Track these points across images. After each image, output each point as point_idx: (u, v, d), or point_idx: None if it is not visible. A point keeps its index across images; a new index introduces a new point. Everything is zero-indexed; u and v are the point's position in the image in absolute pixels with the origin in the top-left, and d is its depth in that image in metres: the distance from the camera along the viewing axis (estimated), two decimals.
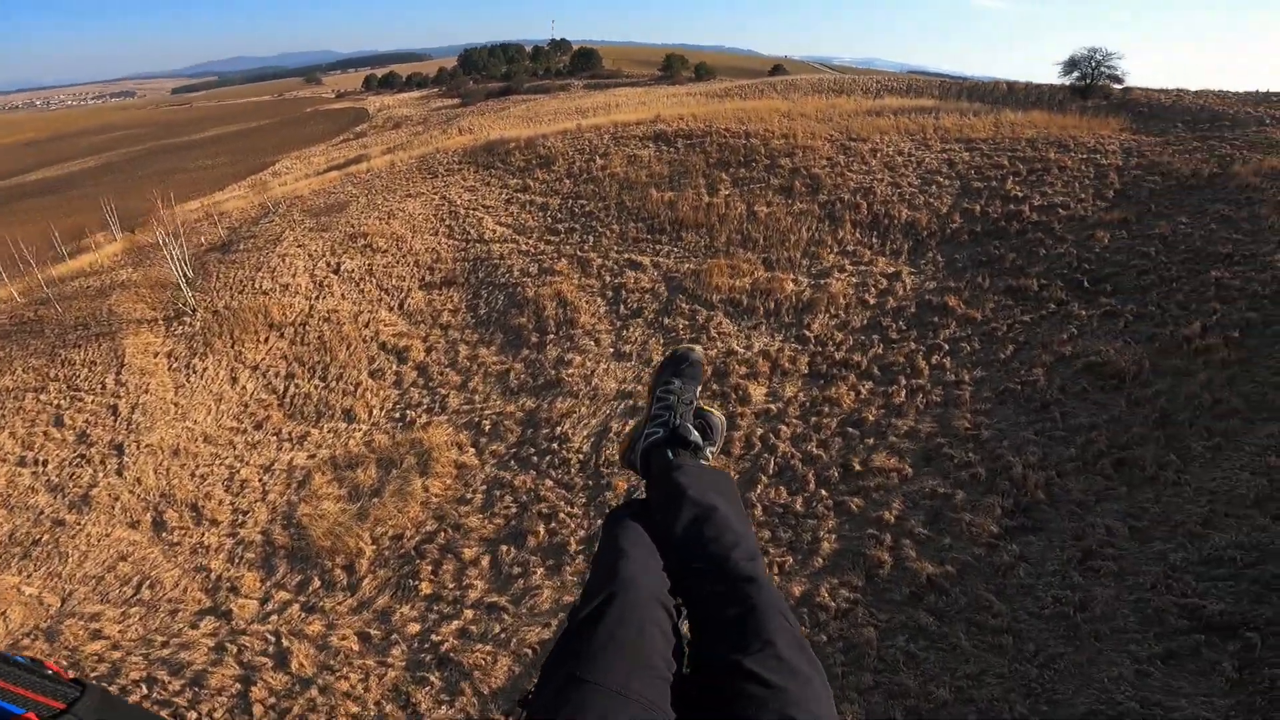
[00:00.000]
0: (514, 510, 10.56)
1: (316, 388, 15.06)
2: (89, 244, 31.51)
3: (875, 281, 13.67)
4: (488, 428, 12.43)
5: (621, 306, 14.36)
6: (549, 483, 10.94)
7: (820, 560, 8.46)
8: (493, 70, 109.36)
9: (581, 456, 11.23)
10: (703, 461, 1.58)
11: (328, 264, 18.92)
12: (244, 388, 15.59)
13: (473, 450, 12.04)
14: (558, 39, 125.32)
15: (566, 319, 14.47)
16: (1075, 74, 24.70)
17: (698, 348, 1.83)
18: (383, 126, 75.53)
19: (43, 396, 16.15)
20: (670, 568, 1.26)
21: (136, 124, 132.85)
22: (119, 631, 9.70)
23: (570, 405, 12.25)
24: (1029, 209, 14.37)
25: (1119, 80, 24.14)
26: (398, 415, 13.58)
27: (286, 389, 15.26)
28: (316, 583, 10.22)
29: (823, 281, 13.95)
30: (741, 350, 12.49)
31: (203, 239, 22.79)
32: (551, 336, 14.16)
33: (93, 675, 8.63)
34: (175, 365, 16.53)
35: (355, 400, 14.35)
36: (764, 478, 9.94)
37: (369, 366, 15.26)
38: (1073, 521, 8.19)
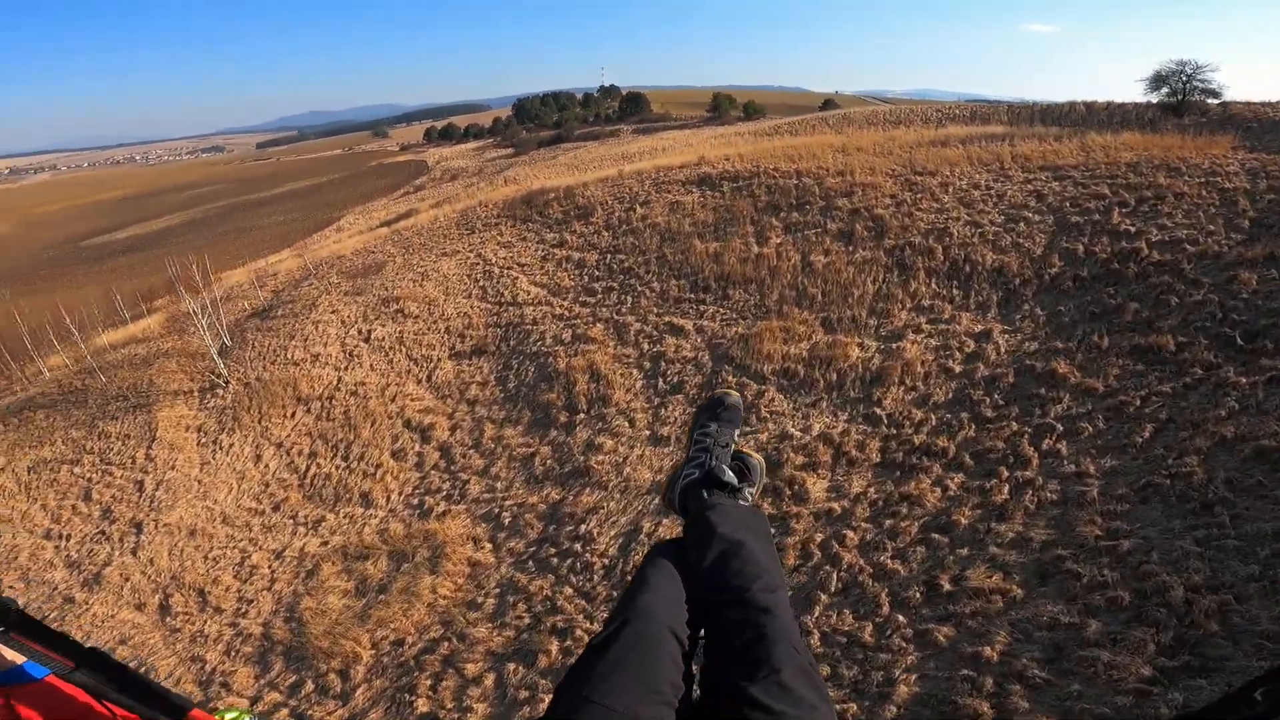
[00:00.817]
0: (526, 621, 9.00)
1: (338, 468, 14.06)
2: (159, 305, 32.55)
3: (959, 343, 11.59)
4: (507, 521, 10.97)
5: (660, 380, 12.77)
6: (568, 590, 9.32)
7: (895, 709, 6.45)
8: (544, 119, 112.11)
9: (606, 561, 9.58)
10: (740, 502, 1.58)
11: (359, 332, 18.21)
12: (266, 466, 14.77)
13: (489, 546, 10.60)
14: (607, 85, 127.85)
15: (599, 395, 12.98)
16: (1164, 90, 22.16)
17: (734, 392, 1.84)
18: (440, 179, 77.74)
19: (76, 469, 15.84)
20: (695, 600, 1.28)
21: (221, 179, 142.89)
22: None
23: (598, 499, 10.66)
24: (1147, 246, 12.02)
25: (1215, 95, 21.44)
26: (416, 502, 12.32)
27: (308, 469, 14.34)
28: (309, 686, 9.04)
29: (895, 345, 11.97)
30: (798, 433, 10.63)
31: (246, 304, 22.73)
32: (582, 416, 12.68)
33: None
34: (204, 440, 15.95)
35: (374, 483, 13.22)
36: (824, 596, 7.98)
37: (392, 446, 14.16)
38: (1261, 659, 5.93)
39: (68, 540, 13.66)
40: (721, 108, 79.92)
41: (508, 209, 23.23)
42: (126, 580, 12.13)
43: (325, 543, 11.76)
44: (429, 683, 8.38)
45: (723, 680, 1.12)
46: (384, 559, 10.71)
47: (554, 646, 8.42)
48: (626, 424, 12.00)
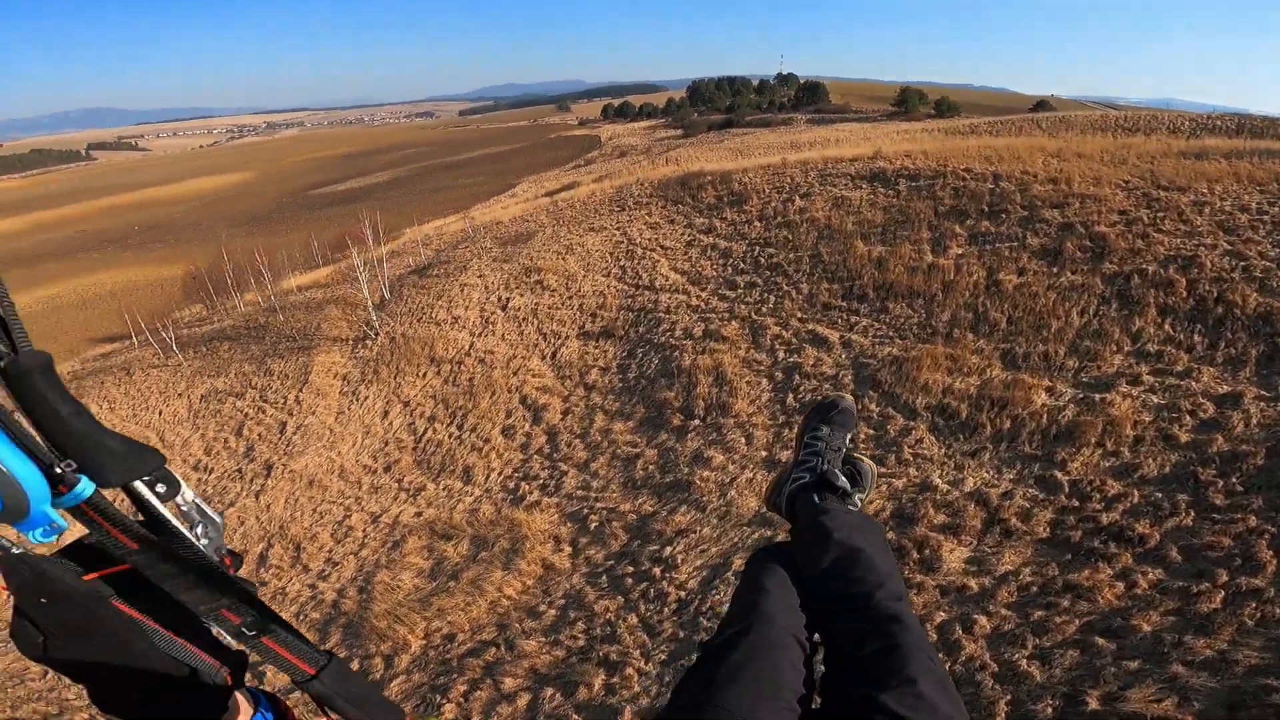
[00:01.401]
0: (580, 644, 8.10)
1: (450, 436, 14.17)
2: (344, 255, 36.13)
3: (1193, 405, 8.81)
4: (594, 525, 10.15)
5: (790, 396, 11.19)
6: (632, 619, 8.27)
7: None
8: (717, 102, 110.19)
9: (683, 595, 8.38)
10: (850, 507, 1.51)
11: (498, 299, 18.38)
12: (390, 423, 15.31)
13: (568, 550, 9.84)
14: (785, 73, 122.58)
15: (719, 402, 11.71)
16: None
17: (848, 396, 1.83)
18: (610, 155, 79.35)
19: (239, 403, 17.59)
20: (810, 607, 1.24)
21: (426, 143, 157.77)
22: None
23: (692, 520, 9.46)
24: None
25: None
26: (512, 486, 11.95)
27: (424, 433, 14.62)
28: (354, 666, 8.83)
29: (1098, 396, 9.41)
30: (944, 486, 8.63)
31: (411, 260, 24.11)
32: (696, 422, 11.51)
33: None
34: (345, 390, 16.96)
35: (479, 458, 13.09)
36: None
37: (504, 421, 13.99)
38: None
39: (210, 474, 15.01)
40: (909, 102, 73.20)
41: (661, 189, 22.37)
42: (241, 524, 12.99)
43: (419, 514, 11.75)
44: (464, 688, 7.79)
45: (851, 689, 1.06)
46: (465, 542, 10.37)
47: (598, 681, 7.46)
48: (743, 439, 10.64)
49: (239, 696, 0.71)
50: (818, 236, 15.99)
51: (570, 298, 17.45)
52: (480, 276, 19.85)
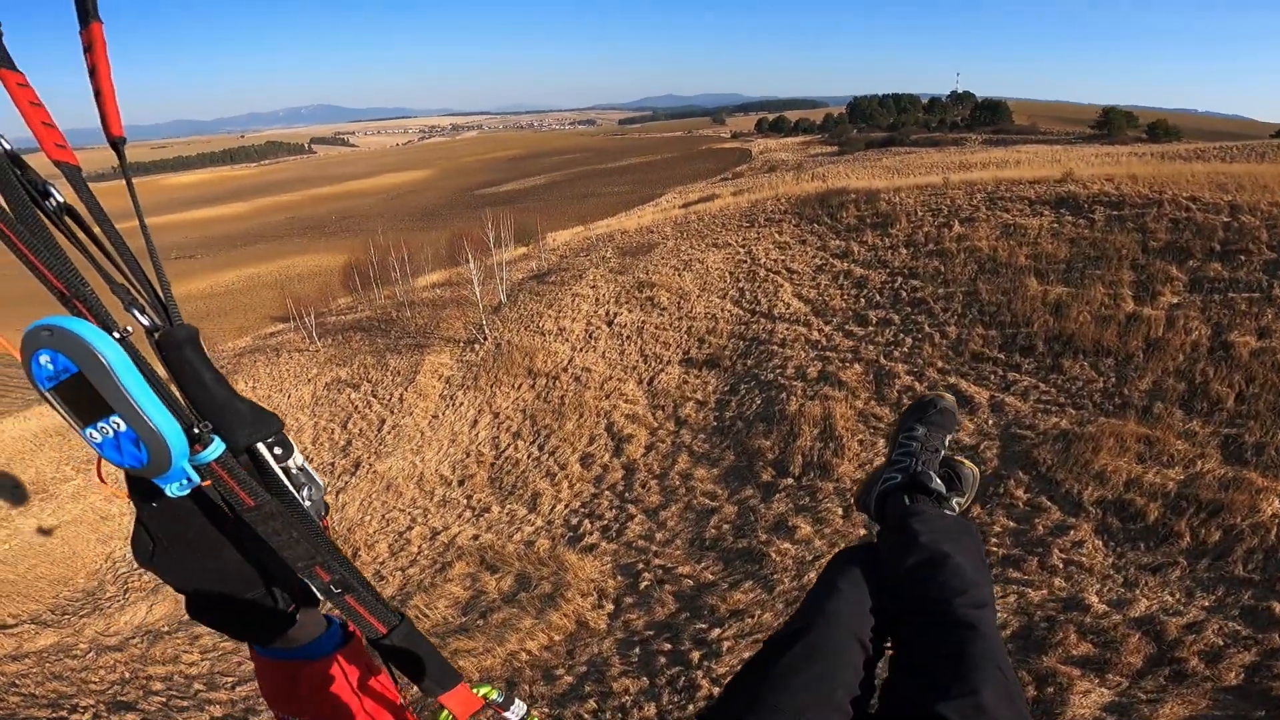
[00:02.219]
0: None
1: (528, 456, 13.37)
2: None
3: None
4: (644, 585, 8.63)
5: None
6: (650, 709, 6.66)
7: None
8: (879, 120, 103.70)
9: (715, 692, 6.65)
10: (945, 511, 1.41)
11: (606, 313, 17.46)
12: (477, 434, 14.85)
13: (609, 609, 8.39)
14: (960, 91, 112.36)
15: (820, 460, 9.73)
16: None
17: (949, 395, 1.68)
18: (759, 169, 77.21)
19: (354, 395, 18.14)
20: (885, 610, 1.19)
21: (583, 149, 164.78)
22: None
23: (754, 600, 7.63)
24: None
25: None
26: (575, 522, 10.78)
27: (506, 448, 13.96)
28: None
29: None
30: (1101, 606, 6.09)
31: (534, 265, 24.08)
32: (789, 482, 9.63)
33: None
34: (445, 393, 16.86)
35: (550, 486, 12.10)
36: None
37: (585, 448, 12.92)
38: None
39: (309, 464, 15.39)
40: (1114, 124, 63.63)
41: (797, 205, 20.35)
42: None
43: (476, 537, 10.95)
44: None
45: (910, 694, 1.02)
46: (510, 578, 9.30)
47: None
48: (839, 511, 8.61)
49: (313, 613, 0.76)
50: (977, 270, 13.33)
51: (680, 318, 16.08)
52: (593, 287, 19.09)
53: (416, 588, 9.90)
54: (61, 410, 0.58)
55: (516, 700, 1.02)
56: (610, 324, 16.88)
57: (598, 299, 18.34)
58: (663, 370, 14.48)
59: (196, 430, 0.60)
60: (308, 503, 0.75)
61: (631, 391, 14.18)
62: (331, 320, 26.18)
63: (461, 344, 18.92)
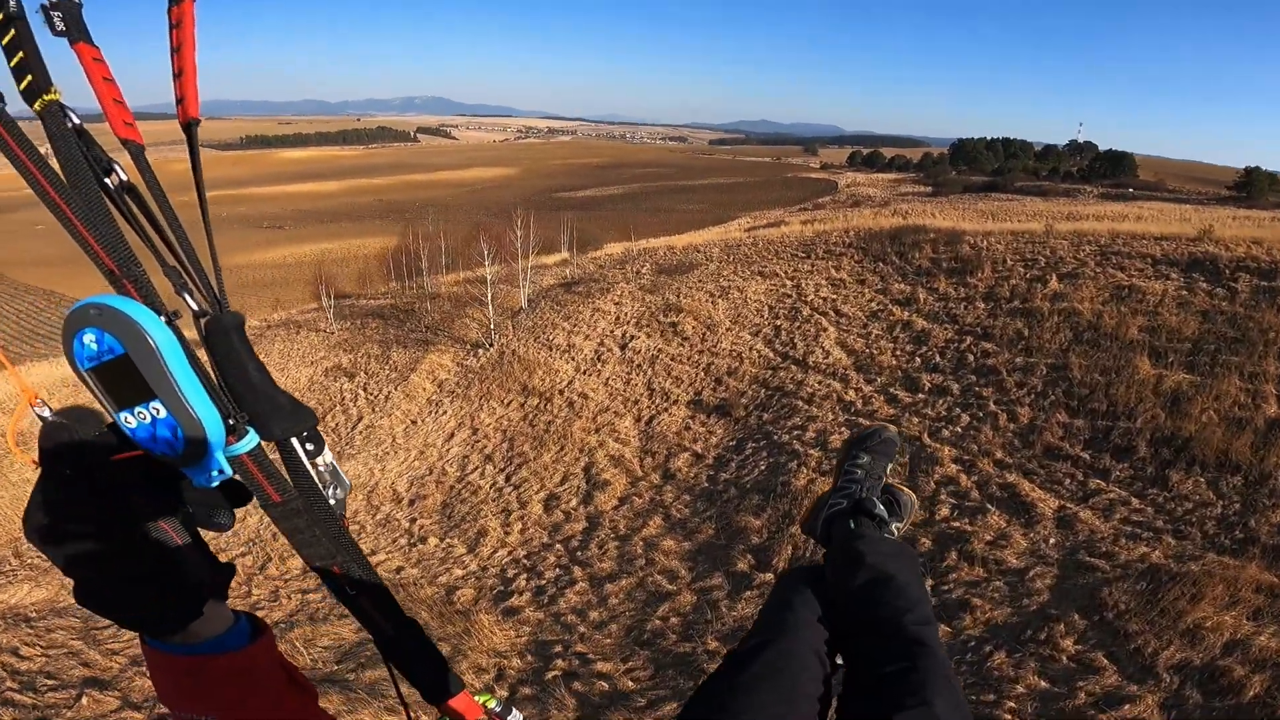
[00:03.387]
0: None
1: (491, 485, 11.46)
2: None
3: None
4: (550, 676, 6.36)
5: (928, 580, 6.49)
6: None
7: None
8: (984, 163, 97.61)
9: None
10: (886, 535, 1.47)
11: (622, 335, 15.43)
12: (448, 450, 13.08)
13: (500, 694, 6.25)
14: (1081, 141, 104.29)
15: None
16: None
17: (892, 427, 1.77)
18: (843, 202, 73.69)
19: (347, 385, 16.81)
20: (836, 627, 1.23)
21: (668, 163, 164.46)
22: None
23: None
24: None
25: None
26: (510, 575, 8.71)
27: (471, 471, 12.11)
28: None
29: None
30: None
31: (568, 272, 22.40)
32: (768, 579, 7.24)
33: None
34: (434, 397, 15.25)
35: (501, 525, 10.10)
36: None
37: (555, 486, 10.88)
38: None
39: None
40: (1256, 185, 56.84)
41: (863, 239, 17.77)
42: (243, 521, 11.42)
43: (400, 570, 9.05)
44: None
45: (867, 708, 1.06)
46: None
47: None
48: None
49: (219, 606, 0.69)
50: (1071, 339, 10.53)
51: (701, 352, 13.86)
52: (616, 303, 17.12)
53: (307, 618, 8.10)
54: (97, 391, 0.56)
55: (514, 711, 1.00)
56: (624, 347, 14.84)
57: (618, 317, 16.35)
58: (667, 410, 12.30)
59: (233, 421, 0.58)
60: (333, 501, 0.72)
61: (625, 429, 12.06)
62: (362, 304, 25.34)
63: (468, 347, 17.34)
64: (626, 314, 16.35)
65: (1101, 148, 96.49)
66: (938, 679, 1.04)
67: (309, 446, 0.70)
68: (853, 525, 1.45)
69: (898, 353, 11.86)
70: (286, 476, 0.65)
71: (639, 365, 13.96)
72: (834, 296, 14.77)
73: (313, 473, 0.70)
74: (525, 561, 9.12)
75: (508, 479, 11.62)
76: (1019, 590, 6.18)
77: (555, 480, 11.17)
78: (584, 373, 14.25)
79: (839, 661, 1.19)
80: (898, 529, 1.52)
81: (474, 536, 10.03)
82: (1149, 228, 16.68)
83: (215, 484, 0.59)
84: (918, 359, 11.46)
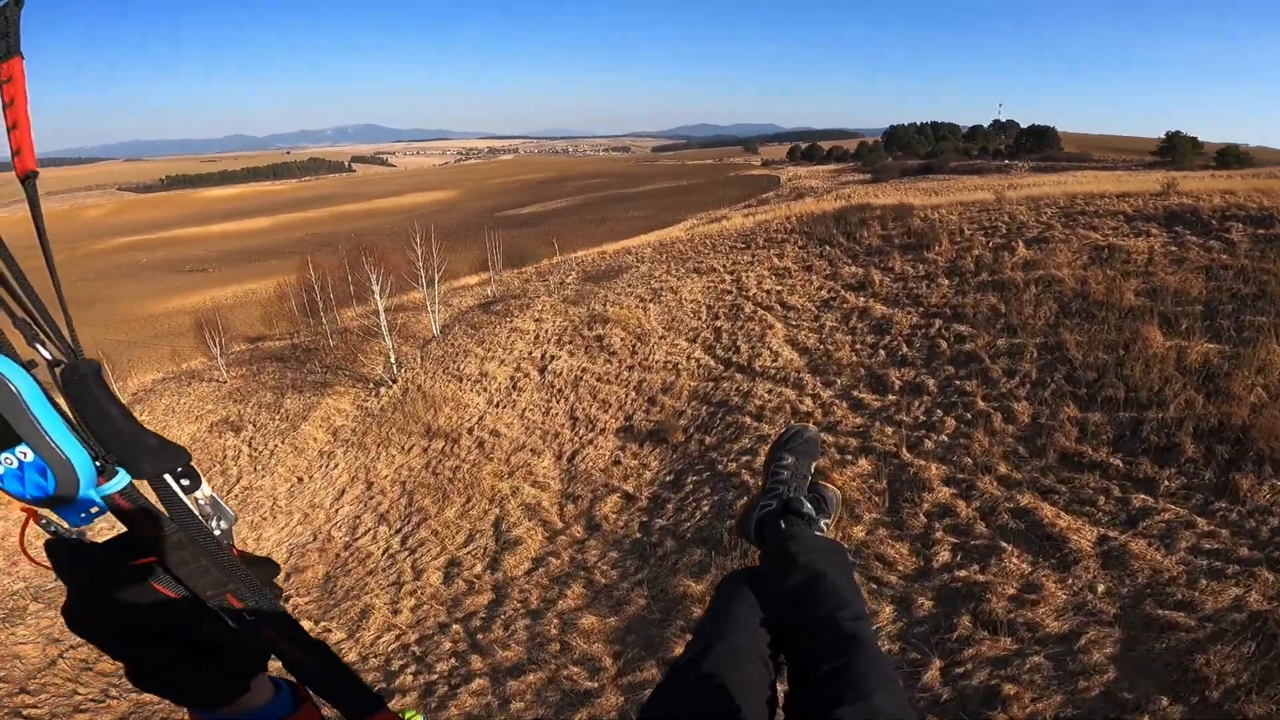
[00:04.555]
0: None
1: (384, 550, 9.38)
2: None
3: None
4: None
5: (935, 676, 4.54)
6: None
7: None
8: (917, 147, 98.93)
9: None
10: (816, 533, 1.50)
11: (541, 355, 13.31)
12: (338, 510, 10.83)
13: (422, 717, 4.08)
14: (1004, 120, 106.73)
15: None
16: None
17: (811, 426, 1.77)
18: (787, 196, 73.04)
19: (231, 440, 14.25)
20: (775, 628, 1.25)
21: (610, 173, 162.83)
22: None
23: None
24: None
25: None
26: (395, 668, 6.53)
27: (362, 535, 9.90)
28: None
29: None
30: None
31: (490, 290, 20.15)
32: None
33: None
34: (326, 448, 12.86)
35: (389, 602, 7.90)
36: None
37: (457, 549, 8.72)
38: None
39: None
40: (1180, 150, 58.09)
41: (806, 223, 16.05)
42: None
43: None
44: None
45: (810, 705, 1.07)
46: None
47: None
48: None
49: (261, 678, 0.73)
50: (1058, 311, 8.86)
51: (631, 368, 11.82)
52: (537, 320, 14.97)
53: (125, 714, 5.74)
54: None
55: None
56: (543, 370, 12.71)
57: (538, 335, 14.20)
58: (592, 442, 10.21)
59: (101, 463, 0.60)
60: (217, 531, 0.72)
61: (544, 470, 9.92)
62: (267, 346, 22.56)
63: (371, 386, 14.95)
64: (547, 331, 14.21)
65: (1023, 125, 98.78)
66: (875, 673, 1.05)
67: (184, 482, 0.70)
68: (783, 525, 1.46)
69: (857, 346, 10.03)
70: (164, 511, 0.65)
71: (560, 390, 11.84)
72: (779, 288, 12.94)
73: (192, 507, 0.69)
74: (415, 649, 6.92)
75: (403, 542, 9.39)
76: (1069, 666, 4.25)
77: (459, 540, 8.98)
78: (497, 405, 12.06)
79: (783, 661, 1.20)
80: (826, 525, 1.55)
81: (356, 617, 7.79)
82: (1105, 187, 15.44)
83: (89, 523, 0.60)
84: (881, 352, 9.64)
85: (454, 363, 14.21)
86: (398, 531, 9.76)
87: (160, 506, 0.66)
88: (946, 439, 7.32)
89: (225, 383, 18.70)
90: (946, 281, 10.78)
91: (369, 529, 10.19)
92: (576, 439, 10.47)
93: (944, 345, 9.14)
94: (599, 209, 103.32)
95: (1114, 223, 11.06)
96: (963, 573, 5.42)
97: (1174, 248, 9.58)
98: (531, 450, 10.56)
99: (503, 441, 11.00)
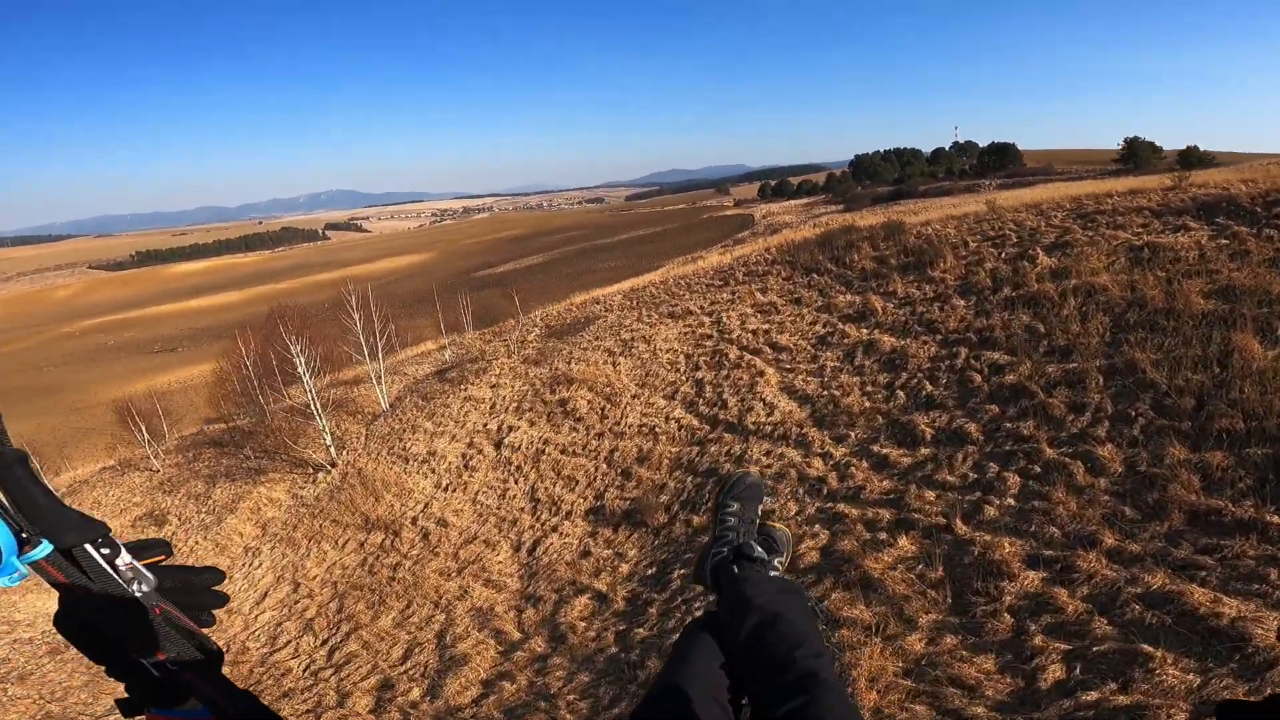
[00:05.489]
0: None
1: (306, 665, 7.47)
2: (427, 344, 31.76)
3: None
4: None
5: None
6: None
7: None
8: (884, 174, 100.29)
9: None
10: (770, 573, 1.51)
11: (497, 427, 11.45)
12: (255, 618, 8.78)
13: None
14: (962, 142, 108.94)
15: None
16: None
17: (754, 469, 2.41)
18: (762, 233, 72.83)
19: (152, 536, 12.16)
20: (735, 672, 1.25)
21: (585, 225, 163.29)
22: None
23: None
24: None
25: None
26: None
27: (282, 646, 7.90)
28: None
29: None
30: None
31: (448, 356, 18.35)
32: None
33: None
34: (252, 544, 10.82)
35: None
36: None
37: (392, 668, 6.72)
38: None
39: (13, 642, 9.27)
40: (1140, 155, 58.66)
41: (788, 252, 14.55)
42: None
43: None
44: None
45: None
46: None
47: None
48: None
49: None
50: (1111, 325, 7.22)
51: (601, 435, 9.99)
52: (493, 386, 13.14)
53: None
54: None
55: None
56: (500, 444, 10.82)
57: (494, 404, 12.35)
58: (557, 528, 8.29)
59: (25, 535, 0.65)
60: (139, 594, 0.77)
61: (499, 566, 7.98)
62: (209, 430, 20.43)
63: (310, 471, 12.94)
64: (505, 398, 12.36)
65: (981, 145, 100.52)
66: (836, 710, 1.06)
67: (105, 551, 0.75)
68: (736, 570, 1.47)
69: (869, 388, 8.31)
70: (86, 574, 0.70)
71: (518, 468, 9.95)
72: (765, 326, 11.28)
73: (110, 571, 0.75)
74: None
75: (330, 656, 7.41)
76: None
77: (394, 656, 7.01)
78: (446, 489, 10.13)
79: (745, 703, 1.20)
80: (780, 564, 1.56)
81: None
82: (1108, 185, 14.21)
83: (16, 584, 0.66)
84: (900, 393, 7.91)
85: (400, 441, 12.28)
86: (324, 643, 7.73)
87: (85, 573, 0.71)
88: (1014, 503, 5.53)
89: (159, 472, 16.57)
90: (962, 302, 9.18)
91: (291, 639, 8.14)
92: (538, 525, 8.54)
93: (977, 378, 7.44)
94: (574, 262, 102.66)
95: (1141, 219, 9.61)
96: (1091, 694, 3.58)
97: (1225, 240, 8.09)
98: (485, 541, 8.60)
99: (451, 532, 9.03)
